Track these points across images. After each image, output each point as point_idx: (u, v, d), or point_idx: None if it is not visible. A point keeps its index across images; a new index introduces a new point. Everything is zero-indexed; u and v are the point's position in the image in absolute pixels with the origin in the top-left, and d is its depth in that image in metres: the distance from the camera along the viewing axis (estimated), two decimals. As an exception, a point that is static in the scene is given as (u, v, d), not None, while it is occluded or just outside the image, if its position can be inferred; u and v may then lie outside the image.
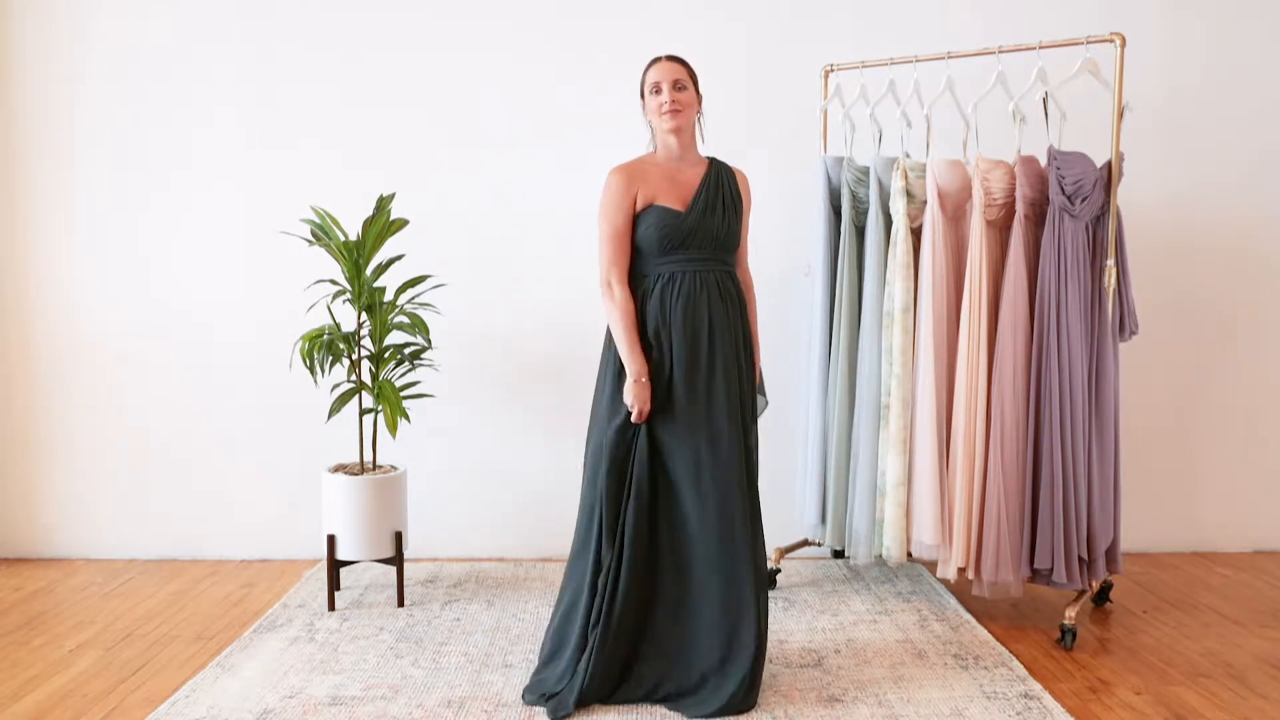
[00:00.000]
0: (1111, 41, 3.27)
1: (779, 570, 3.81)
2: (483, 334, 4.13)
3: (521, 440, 4.16)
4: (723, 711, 2.70)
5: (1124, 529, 3.60)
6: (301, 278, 3.91)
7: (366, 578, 3.90)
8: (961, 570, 3.39)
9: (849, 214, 3.66)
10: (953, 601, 3.61)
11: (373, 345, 3.64)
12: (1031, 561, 3.32)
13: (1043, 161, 3.38)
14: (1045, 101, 3.40)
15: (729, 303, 2.85)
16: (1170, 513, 4.27)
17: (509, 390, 4.15)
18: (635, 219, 2.82)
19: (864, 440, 3.56)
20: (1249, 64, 4.15)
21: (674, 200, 2.82)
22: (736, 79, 4.10)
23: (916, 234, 3.51)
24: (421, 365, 3.73)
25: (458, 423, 4.14)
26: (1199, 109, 4.15)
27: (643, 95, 2.90)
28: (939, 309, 3.42)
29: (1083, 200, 3.28)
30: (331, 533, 3.56)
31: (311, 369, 3.55)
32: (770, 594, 3.70)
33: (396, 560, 3.60)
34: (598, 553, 2.80)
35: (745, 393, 2.88)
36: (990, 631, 3.35)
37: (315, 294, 3.86)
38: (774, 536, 3.91)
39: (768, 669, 3.01)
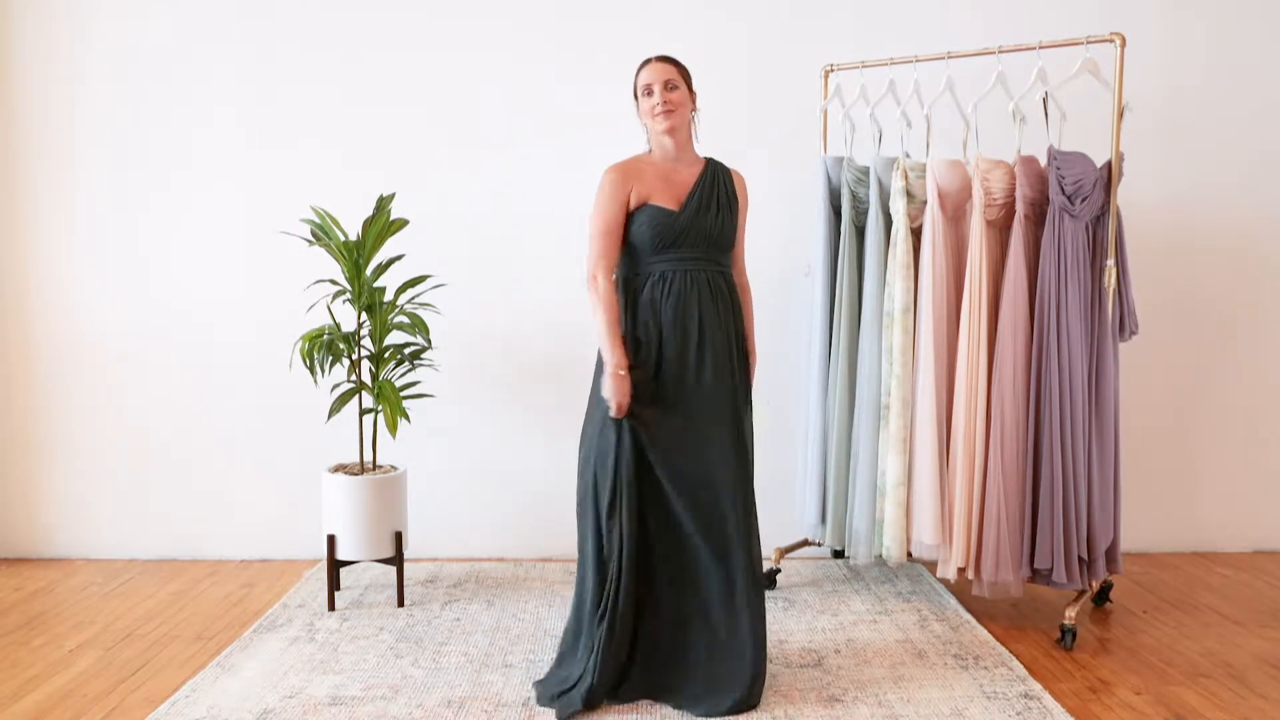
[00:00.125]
0: (1111, 41, 3.27)
1: (779, 570, 3.81)
2: (483, 334, 4.13)
3: (521, 440, 4.16)
4: (732, 710, 2.70)
5: (1124, 529, 3.59)
6: (301, 278, 3.91)
7: (366, 578, 3.90)
8: (961, 570, 3.39)
9: (849, 214, 3.65)
10: (953, 601, 3.61)
11: (373, 345, 3.64)
12: (1031, 561, 3.32)
13: (1043, 161, 3.38)
14: (1045, 101, 3.40)
15: (720, 302, 2.84)
16: (1170, 513, 4.27)
17: (509, 390, 4.15)
18: (629, 217, 2.83)
19: (864, 440, 3.56)
20: (1249, 64, 4.16)
21: (668, 199, 2.82)
22: (736, 79, 4.10)
23: (916, 234, 3.51)
24: (421, 365, 3.73)
25: (458, 423, 4.14)
26: (1199, 109, 4.15)
27: (636, 97, 2.90)
28: (939, 309, 3.42)
29: (1083, 200, 3.28)
30: (331, 533, 3.56)
31: (311, 369, 3.55)
32: (770, 594, 3.70)
33: (396, 560, 3.60)
34: (596, 554, 2.80)
35: (738, 392, 2.87)
36: (990, 631, 3.35)
37: (315, 294, 3.86)
38: (774, 536, 3.93)
39: (768, 669, 3.01)
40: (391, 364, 3.67)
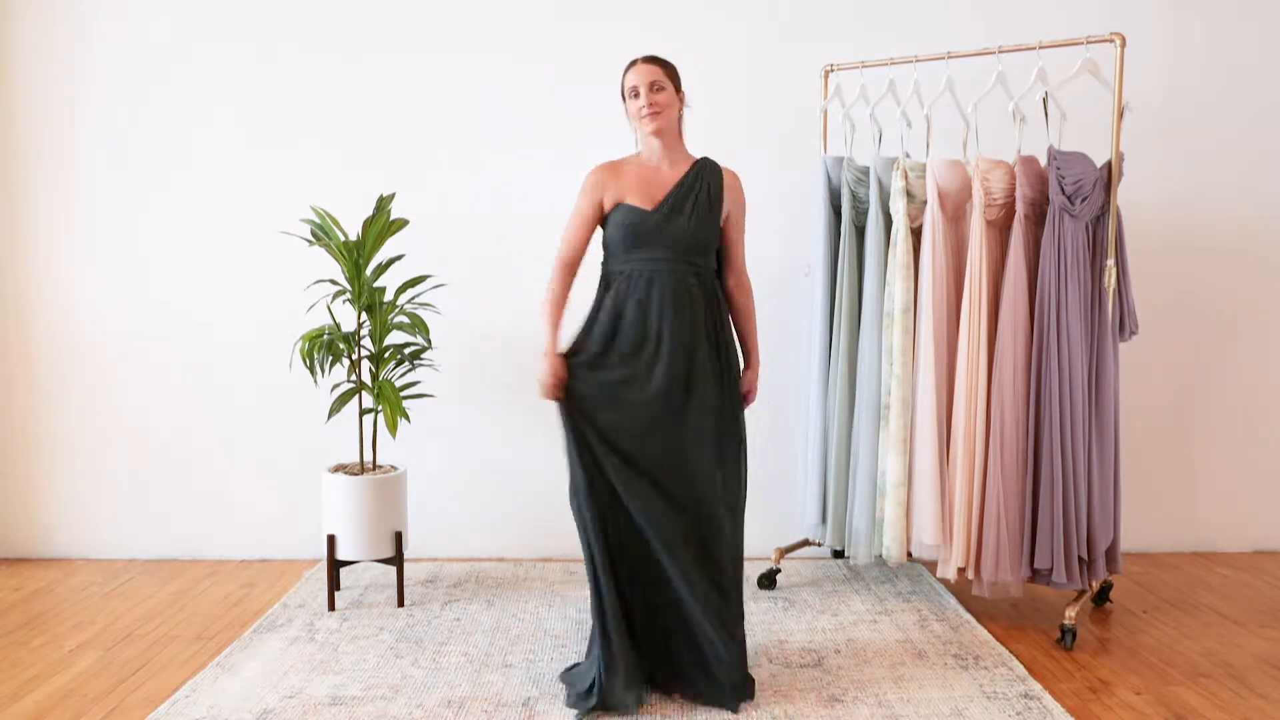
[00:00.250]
0: (1111, 41, 3.27)
1: (779, 570, 3.81)
2: (483, 334, 4.13)
3: (521, 440, 4.16)
4: (743, 697, 2.76)
5: (1124, 529, 3.59)
6: (301, 278, 3.91)
7: (366, 578, 3.90)
8: (961, 570, 3.39)
9: (849, 214, 3.66)
10: (953, 601, 3.61)
11: (373, 345, 3.64)
12: (1031, 561, 3.32)
13: (1043, 161, 3.38)
14: (1045, 101, 3.40)
15: (685, 303, 2.78)
16: (1170, 513, 4.27)
17: (509, 390, 4.15)
18: (607, 217, 2.86)
19: (864, 440, 3.56)
20: (1249, 64, 4.16)
21: (643, 199, 2.83)
22: (736, 79, 4.10)
23: (916, 234, 3.51)
24: (421, 365, 3.73)
25: (458, 423, 4.14)
26: (1199, 109, 4.15)
27: (623, 98, 2.90)
28: (939, 309, 3.42)
29: (1083, 200, 3.28)
30: (331, 533, 3.56)
31: (311, 369, 3.55)
32: (770, 594, 3.71)
33: (396, 560, 3.60)
34: (585, 553, 2.81)
35: (711, 392, 2.78)
36: (990, 631, 3.35)
37: (315, 294, 3.86)
38: (774, 536, 3.94)
39: (768, 669, 3.02)
40: (391, 364, 3.67)
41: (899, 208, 3.48)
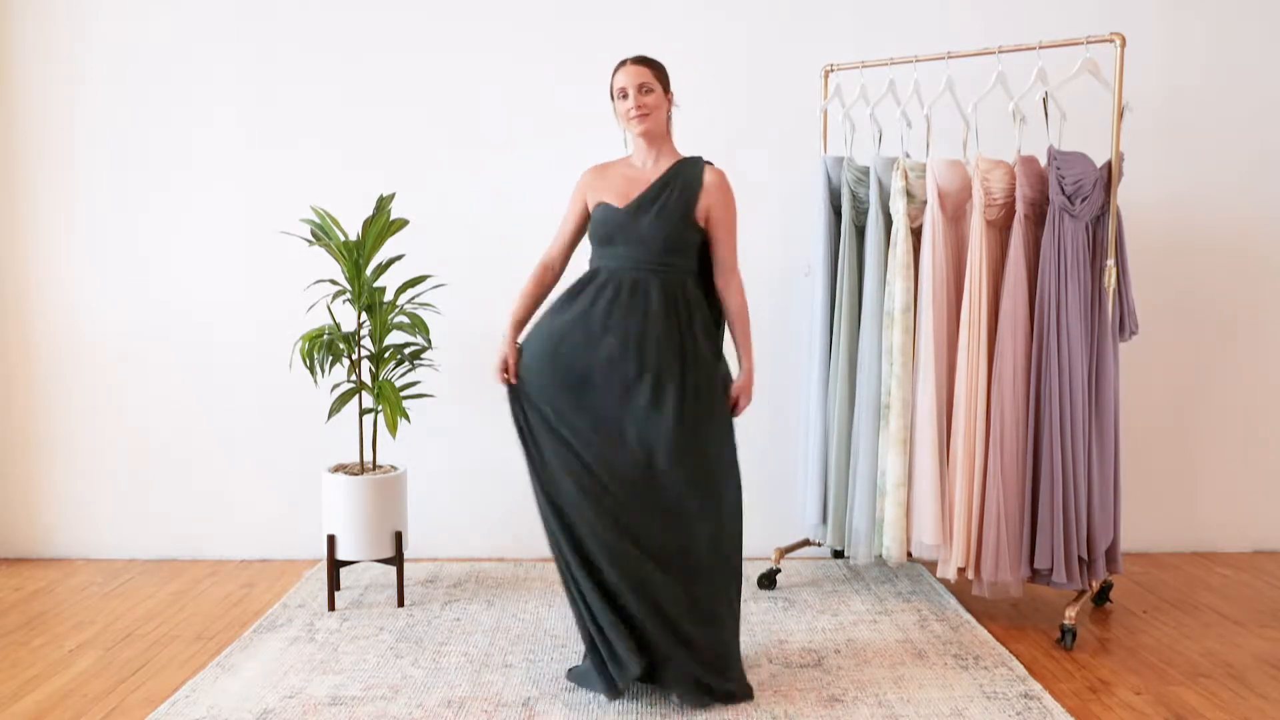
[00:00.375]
0: (1111, 41, 3.27)
1: (779, 570, 3.81)
2: (483, 334, 4.11)
3: (521, 440, 4.16)
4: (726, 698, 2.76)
5: (1124, 529, 3.59)
6: (301, 278, 3.91)
7: (366, 578, 3.90)
8: (961, 570, 3.39)
9: (849, 214, 3.66)
10: (953, 601, 3.61)
11: (373, 345, 3.64)
12: (1031, 561, 3.32)
13: (1043, 161, 3.38)
14: (1045, 101, 3.40)
15: (639, 302, 2.76)
16: (1170, 513, 4.27)
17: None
18: (591, 216, 2.92)
19: (864, 440, 3.56)
20: (1249, 64, 4.15)
21: (620, 198, 2.86)
22: (736, 79, 4.10)
23: (916, 234, 3.51)
24: (421, 365, 3.74)
25: (458, 423, 4.14)
26: (1199, 109, 4.15)
27: (612, 98, 2.91)
28: (939, 309, 3.42)
29: (1083, 200, 3.28)
30: (331, 533, 3.56)
31: (311, 369, 3.55)
32: (770, 594, 3.71)
33: (396, 560, 3.60)
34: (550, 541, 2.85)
35: (670, 396, 2.73)
36: (990, 631, 3.35)
37: (315, 294, 3.86)
38: (774, 536, 3.94)
39: (768, 669, 3.01)
40: (391, 364, 3.67)
41: (899, 208, 3.48)
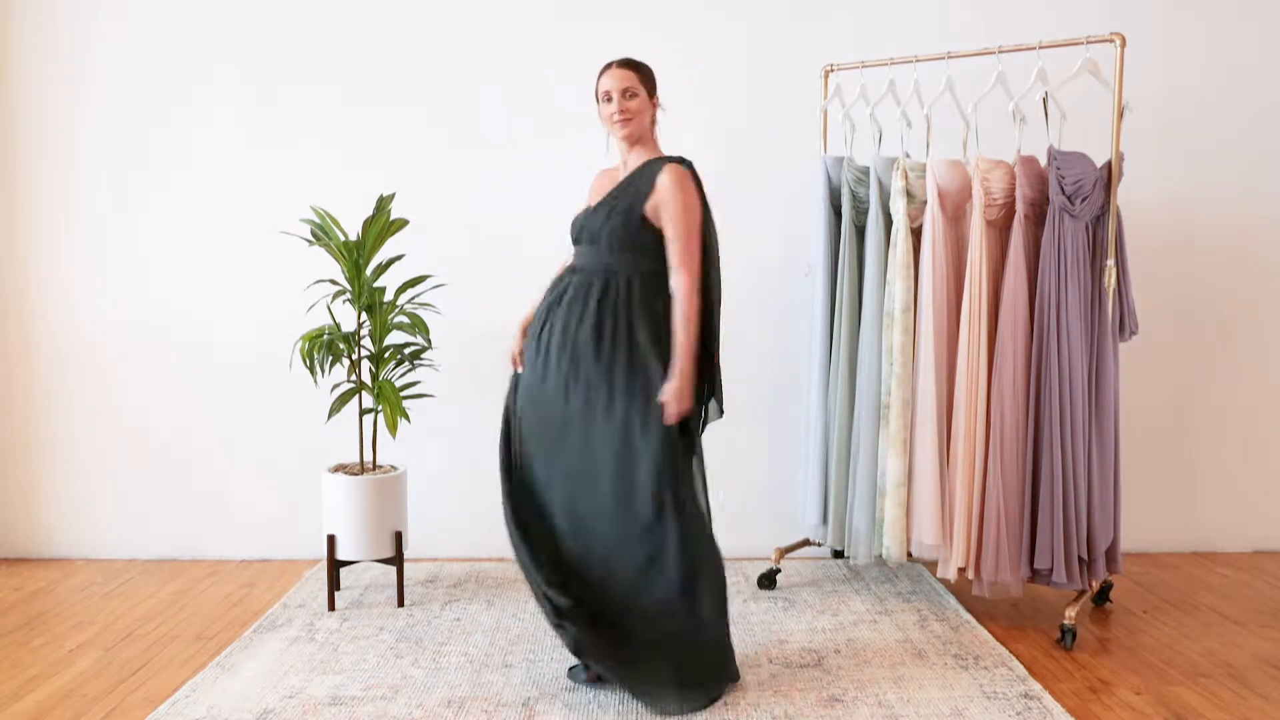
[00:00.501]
0: (1111, 41, 3.27)
1: (779, 570, 3.81)
2: (483, 334, 4.12)
3: (521, 440, 4.16)
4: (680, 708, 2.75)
5: (1124, 529, 3.59)
6: (301, 278, 3.91)
7: (366, 578, 3.90)
8: (961, 570, 3.39)
9: (849, 214, 3.65)
10: (953, 601, 3.61)
11: (373, 345, 3.64)
12: (1031, 561, 3.32)
13: (1043, 161, 3.38)
14: (1045, 101, 3.40)
15: (582, 300, 2.79)
16: (1170, 513, 4.27)
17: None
18: None
19: (864, 440, 3.56)
20: (1249, 64, 4.15)
21: (596, 199, 2.92)
22: (736, 79, 4.10)
23: (916, 234, 3.51)
24: (421, 365, 3.74)
25: (458, 423, 4.14)
26: (1199, 109, 4.15)
27: (597, 100, 2.90)
28: (939, 309, 3.42)
29: (1083, 200, 3.28)
30: (331, 533, 3.56)
31: (311, 369, 3.55)
32: (770, 594, 3.71)
33: (396, 560, 3.60)
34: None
35: (615, 399, 2.72)
36: (990, 631, 3.35)
37: (315, 294, 3.86)
38: (774, 536, 3.95)
39: (768, 669, 3.01)
40: (391, 364, 3.67)
41: (899, 208, 3.48)
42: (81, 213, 4.13)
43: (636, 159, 2.89)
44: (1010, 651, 3.17)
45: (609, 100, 2.84)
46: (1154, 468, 4.23)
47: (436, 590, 3.77)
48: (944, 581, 3.79)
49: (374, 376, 3.62)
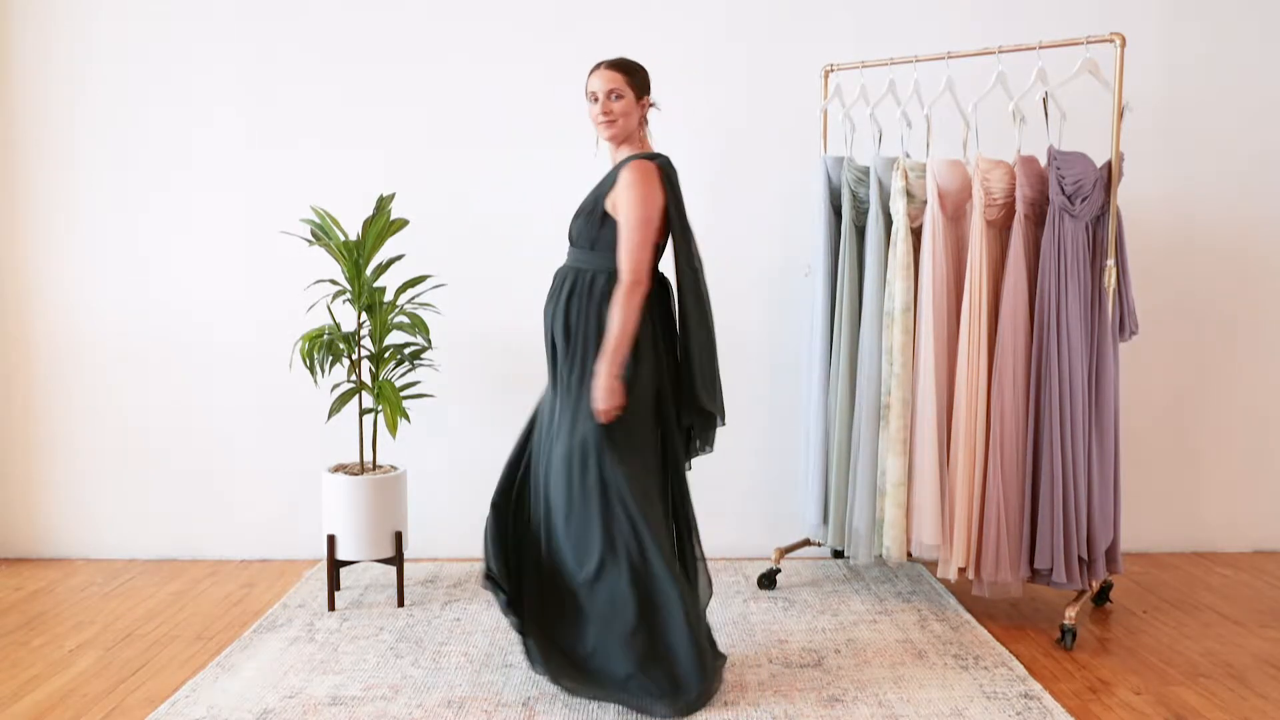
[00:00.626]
0: (1111, 41, 3.27)
1: (779, 570, 3.81)
2: (483, 334, 4.13)
3: (521, 440, 4.16)
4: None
5: (1124, 529, 3.59)
6: (301, 278, 3.91)
7: (366, 578, 3.90)
8: (961, 570, 3.39)
9: (849, 214, 3.65)
10: (953, 601, 3.61)
11: (373, 345, 3.64)
12: (1031, 561, 3.32)
13: (1043, 161, 3.38)
14: (1045, 101, 3.40)
15: (555, 296, 2.90)
16: (1170, 513, 4.27)
17: (509, 390, 4.14)
18: None
19: (864, 440, 3.56)
20: (1249, 64, 4.15)
21: None
22: (736, 79, 4.10)
23: (916, 234, 3.50)
24: (421, 365, 3.74)
25: (458, 423, 4.14)
26: (1199, 109, 4.15)
27: (586, 98, 2.90)
28: (939, 309, 3.42)
29: (1083, 200, 3.28)
30: (331, 533, 3.56)
31: (311, 369, 3.55)
32: (770, 594, 3.71)
33: (396, 560, 3.60)
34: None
35: (578, 393, 2.79)
36: (990, 631, 3.35)
37: (315, 294, 3.86)
38: (774, 536, 3.95)
39: (768, 669, 3.01)
40: (391, 364, 3.67)
41: (899, 208, 3.48)
42: (81, 213, 4.14)
43: (619, 159, 2.89)
44: (1010, 651, 3.17)
45: (595, 101, 2.85)
46: (1154, 468, 4.23)
47: (436, 590, 3.77)
48: (944, 581, 3.79)
49: (374, 376, 3.62)
